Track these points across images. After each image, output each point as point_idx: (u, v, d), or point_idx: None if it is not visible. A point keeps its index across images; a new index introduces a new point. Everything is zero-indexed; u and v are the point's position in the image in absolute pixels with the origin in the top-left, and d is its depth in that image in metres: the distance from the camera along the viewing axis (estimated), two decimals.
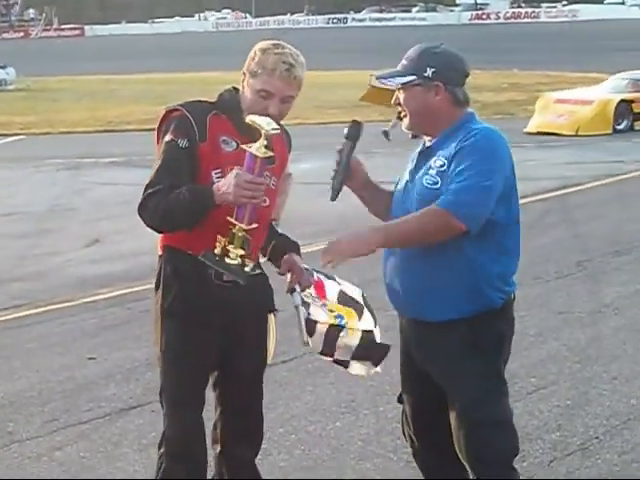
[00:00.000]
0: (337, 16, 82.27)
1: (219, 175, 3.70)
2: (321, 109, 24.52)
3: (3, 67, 37.59)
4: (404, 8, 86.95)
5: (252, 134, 3.65)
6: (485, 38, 53.85)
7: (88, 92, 32.63)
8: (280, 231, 4.13)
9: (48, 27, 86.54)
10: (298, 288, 4.03)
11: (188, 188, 3.62)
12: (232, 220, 3.61)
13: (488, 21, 75.43)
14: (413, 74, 3.70)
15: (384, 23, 76.31)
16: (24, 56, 50.34)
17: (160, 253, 3.92)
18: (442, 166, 3.65)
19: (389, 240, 3.66)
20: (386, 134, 18.29)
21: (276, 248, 4.06)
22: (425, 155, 3.76)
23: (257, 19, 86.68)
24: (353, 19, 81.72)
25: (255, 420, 4.14)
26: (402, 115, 3.79)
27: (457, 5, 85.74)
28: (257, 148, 3.54)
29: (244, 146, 3.60)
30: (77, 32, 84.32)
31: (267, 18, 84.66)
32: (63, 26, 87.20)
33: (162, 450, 3.97)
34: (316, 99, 26.13)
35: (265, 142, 3.55)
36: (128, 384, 6.31)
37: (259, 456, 5.08)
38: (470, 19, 76.95)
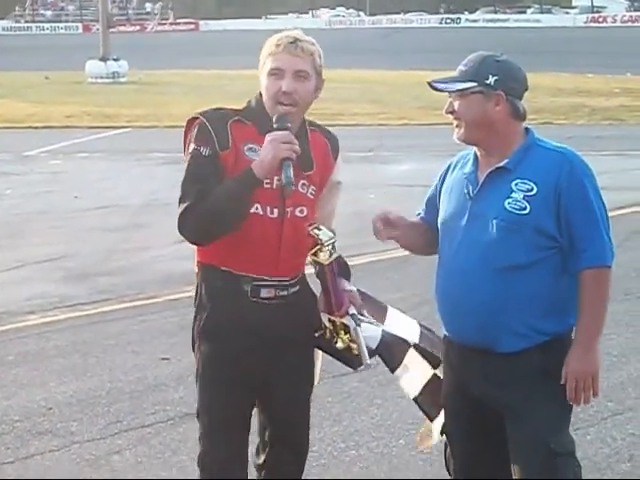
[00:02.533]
0: (450, 16, 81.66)
1: None
2: (427, 110, 24.27)
3: (116, 60, 38.22)
4: (519, 9, 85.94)
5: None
6: (600, 41, 52.83)
7: (197, 86, 32.89)
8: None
9: (164, 21, 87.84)
10: (352, 310, 3.77)
11: (225, 182, 3.52)
12: (329, 316, 3.70)
13: (604, 24, 73.79)
14: (473, 80, 3.50)
15: (498, 24, 75.25)
16: (139, 49, 51.08)
17: (196, 270, 3.78)
18: (530, 190, 3.47)
19: (597, 338, 3.55)
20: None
21: None
22: (498, 176, 3.55)
23: (370, 17, 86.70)
24: (467, 19, 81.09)
25: (299, 446, 3.91)
26: (455, 125, 3.59)
27: (573, 7, 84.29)
28: (321, 257, 3.65)
29: (311, 257, 3.65)
30: (192, 27, 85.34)
31: (380, 17, 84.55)
32: (179, 20, 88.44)
33: (199, 472, 3.82)
34: (422, 99, 25.93)
35: (328, 252, 3.62)
36: None
37: (315, 471, 5.04)
38: (586, 22, 75.44)
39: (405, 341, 3.91)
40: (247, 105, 3.72)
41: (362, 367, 3.85)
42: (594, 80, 31.82)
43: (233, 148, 3.58)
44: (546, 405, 3.56)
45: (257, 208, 3.58)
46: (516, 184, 3.50)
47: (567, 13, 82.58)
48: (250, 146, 3.59)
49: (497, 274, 3.49)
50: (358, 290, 3.91)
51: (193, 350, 3.82)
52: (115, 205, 13.11)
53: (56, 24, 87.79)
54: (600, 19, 76.55)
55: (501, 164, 3.54)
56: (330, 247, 3.65)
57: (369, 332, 3.80)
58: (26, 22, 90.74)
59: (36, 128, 22.51)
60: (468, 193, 3.61)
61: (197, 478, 3.83)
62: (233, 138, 3.59)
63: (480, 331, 3.54)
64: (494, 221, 3.50)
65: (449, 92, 3.57)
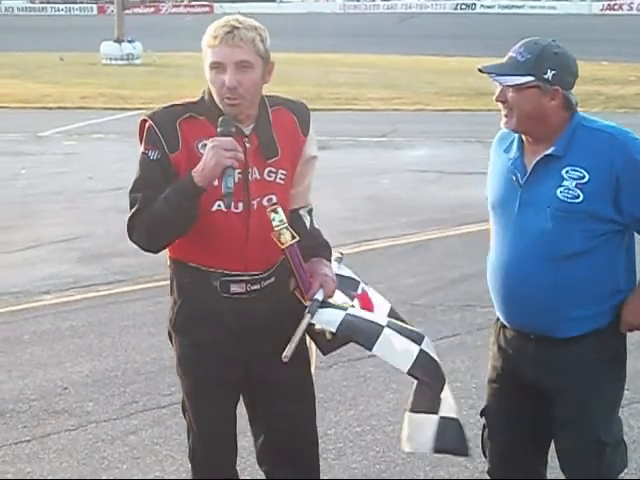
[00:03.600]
0: (465, 2, 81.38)
1: None
2: (441, 95, 24.22)
3: (131, 42, 38.20)
4: None
5: (237, 133, 3.41)
6: (616, 29, 52.60)
7: None
8: (309, 223, 3.75)
9: (178, 3, 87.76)
10: (320, 295, 3.59)
11: (168, 190, 3.38)
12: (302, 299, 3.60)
13: (620, 12, 73.47)
14: (531, 74, 3.42)
15: (513, 10, 75.05)
16: (154, 31, 51.05)
17: (168, 264, 3.70)
18: (582, 178, 3.42)
19: None
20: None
21: (303, 251, 3.60)
22: (547, 164, 3.49)
23: (385, 2, 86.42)
24: (481, 5, 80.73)
25: (302, 440, 3.81)
26: (504, 114, 3.51)
27: None
28: (281, 239, 3.49)
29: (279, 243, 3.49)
30: (206, 9, 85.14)
31: (395, 1, 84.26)
32: (193, 3, 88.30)
33: (190, 466, 3.86)
34: (437, 85, 25.90)
35: (280, 235, 3.47)
36: None
37: (332, 455, 5.05)
38: (602, 9, 75.15)
39: (376, 322, 3.68)
40: (201, 97, 3.55)
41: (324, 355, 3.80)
42: (609, 68, 31.65)
43: (184, 148, 3.44)
44: (600, 393, 3.55)
45: (219, 205, 3.45)
46: (567, 172, 3.45)
47: (583, 0, 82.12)
48: (204, 142, 3.41)
49: (553, 262, 3.46)
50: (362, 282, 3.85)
51: (173, 345, 3.76)
52: (128, 186, 13.07)
53: (71, 5, 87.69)
54: (616, 7, 76.11)
55: (549, 152, 3.48)
56: (284, 229, 3.47)
57: (328, 316, 3.60)
58: (41, 3, 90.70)
59: (50, 109, 22.51)
60: (517, 180, 3.55)
61: (186, 478, 3.86)
62: (184, 137, 3.45)
63: (537, 318, 3.52)
64: (547, 210, 3.45)
65: (503, 84, 3.47)
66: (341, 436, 5.32)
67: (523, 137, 3.58)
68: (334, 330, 3.58)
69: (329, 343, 3.71)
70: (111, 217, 11.25)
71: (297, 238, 3.50)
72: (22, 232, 10.44)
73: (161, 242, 3.51)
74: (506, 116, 3.51)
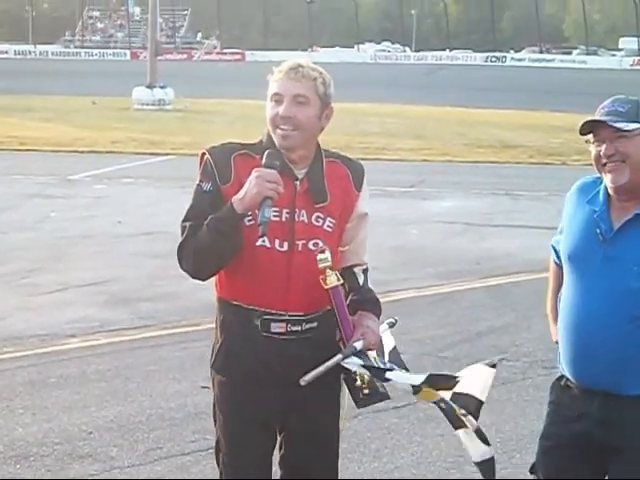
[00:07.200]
0: (496, 54, 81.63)
1: (250, 218, 3.49)
2: (470, 147, 24.30)
3: (163, 87, 38.61)
4: (565, 50, 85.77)
5: (288, 173, 3.52)
6: None
7: (242, 116, 33.11)
8: (362, 281, 3.77)
9: (210, 50, 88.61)
10: (359, 345, 3.56)
11: (209, 218, 3.47)
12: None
13: None
14: (636, 122, 3.40)
15: (543, 64, 75.32)
16: (186, 78, 51.48)
17: (215, 304, 3.74)
18: None
19: None
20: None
21: (351, 305, 3.67)
22: (638, 222, 3.43)
23: (415, 53, 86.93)
24: (512, 58, 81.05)
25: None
26: (611, 168, 3.43)
27: (620, 50, 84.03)
28: (326, 280, 3.51)
29: (324, 284, 3.51)
30: (238, 57, 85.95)
31: (425, 53, 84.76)
32: (225, 50, 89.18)
33: None
34: (465, 137, 25.98)
35: (327, 277, 3.50)
36: None
37: None
38: (632, 64, 75.19)
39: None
40: (260, 140, 3.67)
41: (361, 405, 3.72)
42: None
43: (236, 182, 3.52)
44: None
45: (264, 240, 3.51)
46: None
47: (613, 55, 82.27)
48: None
49: (635, 322, 3.41)
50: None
51: (212, 385, 3.78)
52: (158, 232, 13.13)
53: (104, 50, 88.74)
54: None
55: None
56: (328, 269, 3.50)
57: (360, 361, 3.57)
58: (75, 47, 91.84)
59: (82, 152, 22.73)
60: (601, 234, 3.49)
61: None
62: (237, 171, 3.55)
63: (607, 375, 3.47)
64: (634, 269, 3.40)
65: (620, 130, 3.41)
66: None
67: (610, 191, 3.50)
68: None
69: (365, 398, 3.67)
70: (140, 261, 11.33)
71: (341, 281, 3.55)
72: (50, 275, 10.50)
73: (206, 269, 3.60)
74: (615, 170, 3.43)
